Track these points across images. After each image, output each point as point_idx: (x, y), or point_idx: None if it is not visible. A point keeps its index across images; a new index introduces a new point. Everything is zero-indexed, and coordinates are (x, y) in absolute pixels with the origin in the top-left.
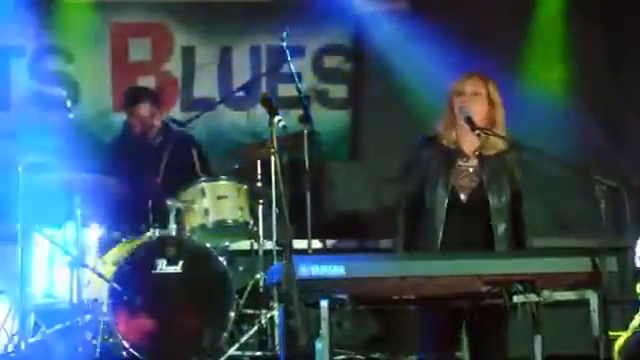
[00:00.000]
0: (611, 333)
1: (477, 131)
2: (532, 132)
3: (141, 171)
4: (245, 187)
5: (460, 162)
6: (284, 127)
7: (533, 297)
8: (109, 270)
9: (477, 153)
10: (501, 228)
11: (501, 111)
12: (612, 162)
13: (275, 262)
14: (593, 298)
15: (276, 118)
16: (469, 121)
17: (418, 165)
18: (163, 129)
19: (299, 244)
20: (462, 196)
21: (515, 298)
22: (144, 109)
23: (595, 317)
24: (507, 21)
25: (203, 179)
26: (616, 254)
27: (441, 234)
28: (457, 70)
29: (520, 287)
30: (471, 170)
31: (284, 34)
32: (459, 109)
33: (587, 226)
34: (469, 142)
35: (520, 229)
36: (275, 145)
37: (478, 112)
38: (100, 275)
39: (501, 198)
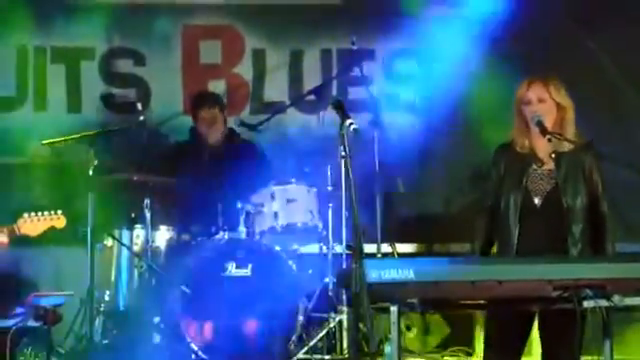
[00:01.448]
0: None
1: (548, 136)
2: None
3: (209, 174)
4: (315, 190)
5: (535, 166)
6: (355, 130)
7: (603, 302)
8: (179, 273)
9: (553, 155)
10: (576, 230)
11: (570, 113)
12: None
13: (344, 266)
14: None
15: (347, 121)
16: (540, 125)
17: (494, 172)
18: (229, 133)
19: (368, 248)
20: (536, 200)
21: (585, 303)
22: (207, 113)
23: None
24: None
25: (273, 182)
26: None
27: (516, 239)
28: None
29: (590, 292)
30: (546, 174)
31: (354, 37)
32: (529, 117)
33: None
34: (542, 146)
35: (599, 232)
36: (346, 148)
37: (548, 117)
38: (169, 278)
39: (576, 200)
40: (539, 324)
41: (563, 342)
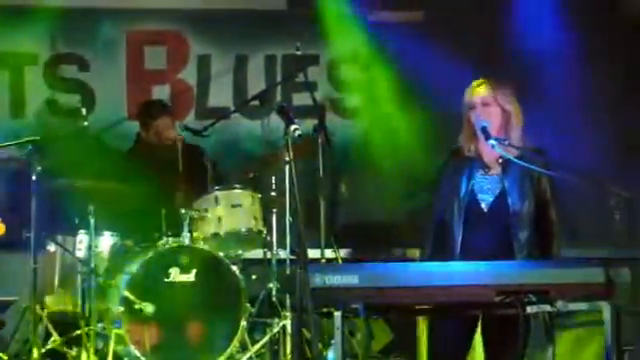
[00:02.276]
0: None
1: (491, 141)
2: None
3: (154, 181)
4: (259, 196)
5: (482, 171)
6: (300, 136)
7: (547, 307)
8: (122, 279)
9: (500, 161)
10: (522, 236)
11: (516, 118)
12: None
13: (288, 271)
14: (606, 309)
15: (292, 127)
16: (484, 131)
17: (442, 177)
18: (177, 140)
19: (312, 253)
20: (483, 205)
21: (529, 308)
22: (161, 124)
23: (608, 328)
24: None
25: (217, 187)
26: (629, 265)
27: (460, 244)
28: (469, 80)
29: (533, 297)
30: (493, 179)
31: (299, 43)
32: (474, 120)
33: (601, 236)
34: (489, 152)
35: (547, 238)
36: (290, 154)
37: (492, 121)
38: (113, 284)
39: (523, 205)
40: (482, 329)
41: (506, 348)
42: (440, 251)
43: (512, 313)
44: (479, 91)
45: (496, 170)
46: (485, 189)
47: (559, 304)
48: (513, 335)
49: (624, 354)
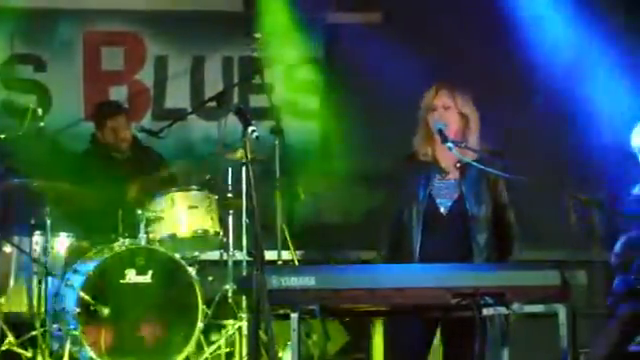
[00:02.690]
0: None
1: (448, 144)
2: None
3: (111, 182)
4: (215, 197)
5: (439, 176)
6: (257, 138)
7: (503, 310)
8: (78, 280)
9: (458, 165)
10: (481, 239)
11: (474, 122)
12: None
13: (245, 272)
14: (562, 311)
15: (249, 129)
16: (441, 133)
17: (399, 182)
18: (132, 141)
19: (269, 255)
20: (442, 209)
21: (485, 311)
22: (116, 125)
23: (563, 330)
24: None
25: (174, 189)
26: (585, 268)
27: (419, 249)
28: (429, 82)
29: (489, 300)
30: (451, 183)
31: (256, 45)
32: (432, 123)
33: (557, 239)
34: (446, 156)
35: (505, 241)
36: (248, 156)
37: (451, 125)
38: (69, 285)
39: (481, 209)
40: (441, 332)
41: (465, 350)
42: (397, 254)
43: (469, 315)
44: (440, 95)
45: (453, 175)
46: (443, 193)
47: (515, 306)
48: (471, 337)
49: (580, 356)
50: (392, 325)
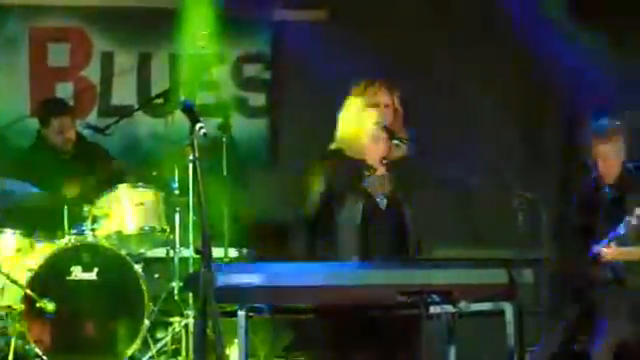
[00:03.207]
0: None
1: (395, 141)
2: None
3: (56, 178)
4: (162, 194)
5: (368, 172)
6: (205, 135)
7: (449, 308)
8: (23, 276)
9: (385, 162)
10: (412, 234)
11: (402, 118)
12: (529, 175)
13: (192, 270)
14: (508, 309)
15: (197, 126)
16: (388, 130)
17: (324, 180)
18: (78, 138)
19: (216, 252)
20: (380, 205)
21: (432, 309)
22: (62, 124)
23: (510, 328)
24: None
25: (120, 185)
26: (532, 266)
27: (357, 246)
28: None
29: (436, 298)
30: (381, 179)
31: (204, 42)
32: (372, 121)
33: (504, 238)
34: (374, 153)
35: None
36: (195, 153)
37: (387, 122)
38: (14, 281)
39: (410, 205)
40: (381, 329)
41: (405, 347)
42: (334, 251)
43: (412, 314)
44: (381, 92)
45: (381, 171)
46: (378, 189)
47: (462, 305)
48: (412, 336)
49: (526, 354)
50: (335, 323)
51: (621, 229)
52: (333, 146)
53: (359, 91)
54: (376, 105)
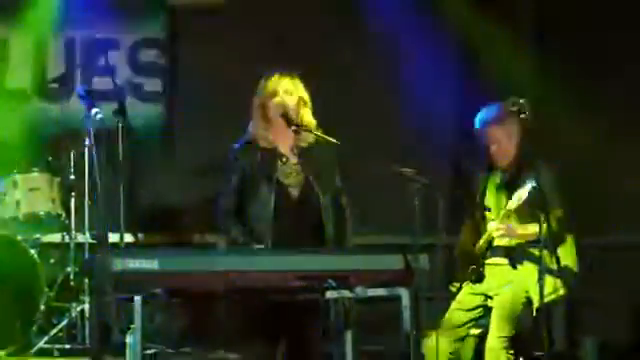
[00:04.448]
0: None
1: (293, 127)
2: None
3: None
4: (58, 179)
5: (280, 162)
6: (101, 120)
7: (346, 293)
8: None
9: (295, 151)
10: (329, 224)
11: (309, 107)
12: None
13: (87, 255)
14: (405, 295)
15: (93, 111)
16: (285, 117)
17: (236, 170)
18: None
19: (112, 237)
20: (293, 193)
21: (329, 294)
22: None
23: (406, 313)
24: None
25: (15, 171)
26: (428, 252)
27: (270, 235)
28: (269, 65)
29: (333, 283)
30: (294, 168)
31: (99, 27)
32: (274, 108)
33: (400, 223)
34: (284, 141)
35: (341, 224)
36: (91, 138)
37: (293, 110)
38: None
39: (326, 193)
40: (283, 315)
41: (305, 332)
42: (246, 239)
43: (312, 299)
44: (282, 81)
45: (293, 160)
46: (289, 179)
47: (358, 290)
48: (311, 321)
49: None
50: (235, 308)
51: (512, 203)
52: (246, 137)
53: (263, 81)
54: (275, 93)
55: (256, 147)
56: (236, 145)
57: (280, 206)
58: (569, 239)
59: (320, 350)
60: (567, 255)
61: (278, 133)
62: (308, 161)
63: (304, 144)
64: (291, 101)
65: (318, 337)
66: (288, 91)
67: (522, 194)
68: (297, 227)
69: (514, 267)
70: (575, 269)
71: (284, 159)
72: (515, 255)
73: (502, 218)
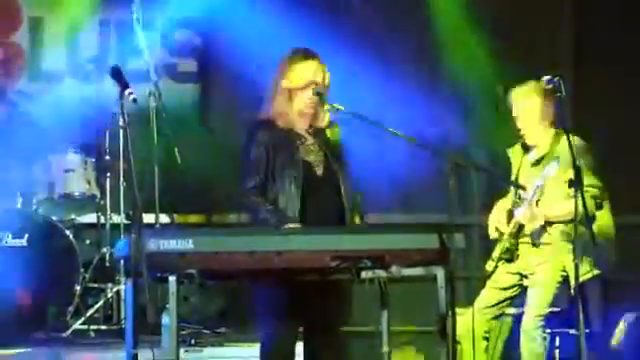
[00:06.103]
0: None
1: (327, 106)
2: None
3: None
4: (92, 160)
5: (298, 142)
6: (134, 100)
7: (381, 273)
8: None
9: (311, 130)
10: (347, 201)
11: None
12: (459, 139)
13: (123, 236)
14: (440, 274)
15: (127, 91)
16: (321, 97)
17: (257, 149)
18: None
19: (147, 218)
20: (317, 171)
21: (363, 274)
22: None
23: (442, 293)
24: None
25: (50, 152)
26: (463, 231)
27: (299, 211)
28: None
29: (368, 263)
30: (313, 147)
31: (134, 7)
32: (305, 87)
33: (435, 203)
34: (301, 123)
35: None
36: (125, 118)
37: (324, 88)
38: None
39: (342, 171)
40: (315, 294)
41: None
42: (277, 219)
43: (345, 279)
44: (321, 68)
45: (310, 140)
46: (312, 157)
47: (394, 269)
48: (344, 300)
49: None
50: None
51: (542, 180)
52: (263, 116)
53: (291, 60)
54: (309, 73)
55: (276, 127)
56: (254, 124)
57: (307, 184)
58: (605, 206)
59: (342, 333)
60: (603, 225)
61: (295, 115)
62: (324, 140)
63: (323, 124)
64: (323, 80)
65: (352, 318)
66: (319, 70)
67: (553, 171)
68: (323, 205)
69: (534, 245)
70: (612, 236)
71: (302, 139)
72: (537, 232)
73: (530, 204)
